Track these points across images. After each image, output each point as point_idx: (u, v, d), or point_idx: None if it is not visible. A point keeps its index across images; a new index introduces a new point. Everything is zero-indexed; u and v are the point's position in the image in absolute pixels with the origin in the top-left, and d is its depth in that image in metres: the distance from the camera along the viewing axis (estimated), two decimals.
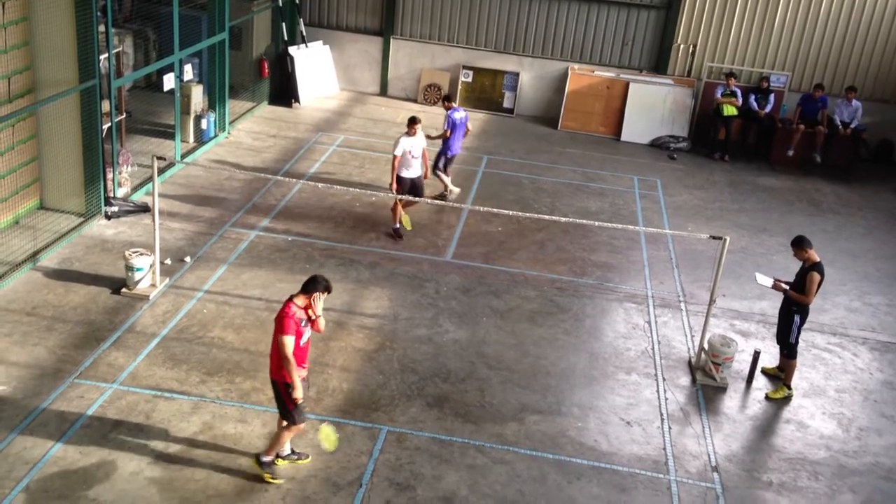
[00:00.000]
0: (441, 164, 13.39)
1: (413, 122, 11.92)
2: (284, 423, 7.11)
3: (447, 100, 13.43)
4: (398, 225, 11.99)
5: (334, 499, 7.08)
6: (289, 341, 6.73)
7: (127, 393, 8.12)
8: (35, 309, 9.33)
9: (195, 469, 7.24)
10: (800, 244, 9.02)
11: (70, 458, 7.21)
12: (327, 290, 7.01)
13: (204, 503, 6.88)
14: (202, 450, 7.47)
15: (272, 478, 7.15)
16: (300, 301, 6.91)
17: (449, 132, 13.23)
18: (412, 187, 12.08)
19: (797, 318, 9.08)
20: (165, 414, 7.87)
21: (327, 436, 7.21)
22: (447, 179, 13.43)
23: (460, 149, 13.72)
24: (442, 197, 13.31)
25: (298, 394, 6.89)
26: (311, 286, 6.94)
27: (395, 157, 11.81)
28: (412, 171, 12.03)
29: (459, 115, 13.32)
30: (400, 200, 11.71)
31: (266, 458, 7.15)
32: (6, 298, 9.47)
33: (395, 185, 11.89)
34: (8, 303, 9.39)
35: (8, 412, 7.66)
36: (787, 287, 9.15)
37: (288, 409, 6.99)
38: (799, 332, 9.15)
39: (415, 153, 11.93)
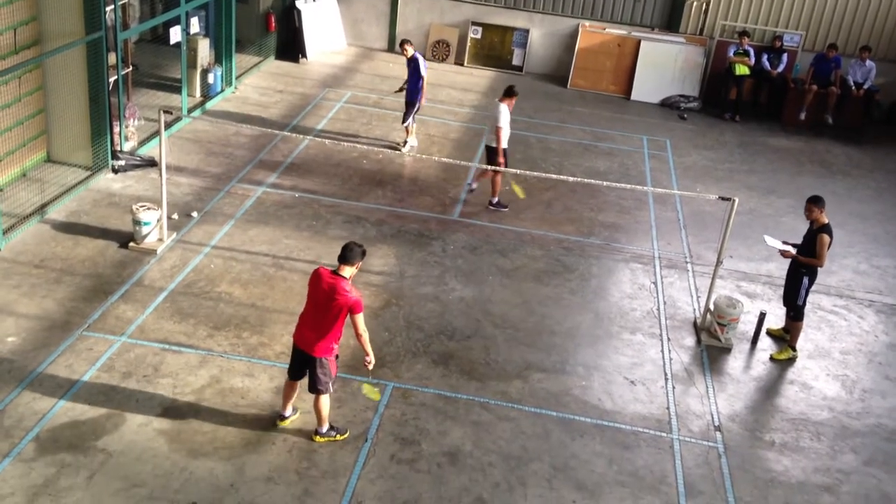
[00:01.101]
0: (413, 117, 13.29)
1: (514, 92, 11.60)
2: (322, 395, 7.09)
3: (410, 44, 13.04)
4: (496, 199, 11.76)
5: (340, 452, 7.17)
6: (363, 317, 6.85)
7: (135, 346, 8.18)
8: (43, 261, 9.38)
9: (203, 421, 7.33)
10: (817, 202, 8.96)
11: (79, 409, 7.30)
12: (365, 254, 6.96)
13: (211, 454, 6.98)
14: (209, 403, 7.55)
15: (341, 435, 7.29)
16: (347, 273, 6.83)
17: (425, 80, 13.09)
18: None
19: (805, 280, 9.06)
20: (173, 367, 7.94)
21: (371, 390, 7.55)
22: (413, 131, 13.51)
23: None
24: (397, 147, 13.31)
25: (373, 360, 7.07)
26: (353, 255, 6.83)
27: (499, 128, 11.39)
28: (507, 142, 11.71)
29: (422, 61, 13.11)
30: (490, 171, 11.44)
31: (324, 429, 7.23)
32: (14, 251, 9.51)
33: (502, 158, 11.52)
34: (16, 255, 9.43)
35: (18, 363, 7.74)
36: (795, 251, 9.12)
37: (333, 377, 7.05)
38: (807, 294, 9.14)
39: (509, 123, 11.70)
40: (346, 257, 6.84)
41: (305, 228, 10.73)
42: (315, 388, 7.06)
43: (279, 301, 9.16)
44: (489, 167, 11.25)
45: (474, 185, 12.13)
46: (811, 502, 7.32)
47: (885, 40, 17.11)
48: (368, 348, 7.00)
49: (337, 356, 7.09)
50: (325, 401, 7.13)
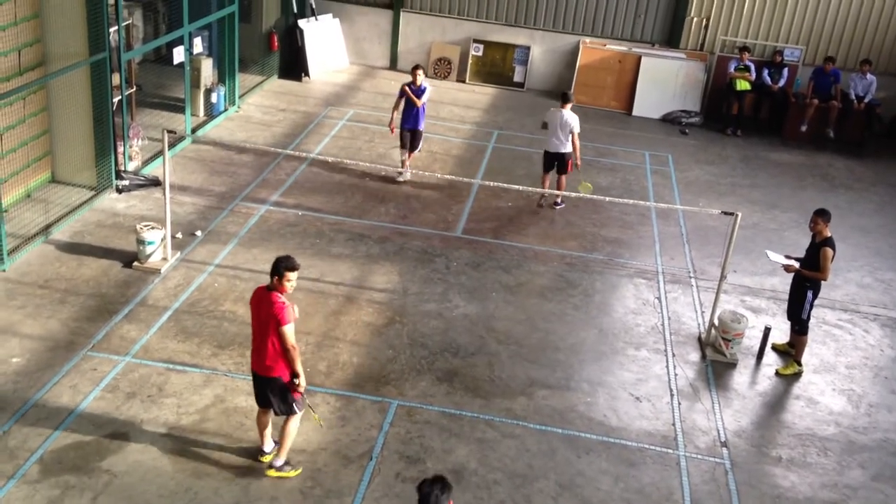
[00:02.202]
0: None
1: (568, 99, 12.18)
2: (291, 416, 6.88)
3: (423, 70, 12.86)
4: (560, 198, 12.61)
5: (344, 471, 7.14)
6: (292, 330, 6.54)
7: (139, 366, 8.18)
8: (48, 282, 9.39)
9: (207, 441, 7.31)
10: (823, 215, 8.95)
11: (83, 429, 7.28)
12: (289, 268, 6.56)
13: (215, 475, 6.95)
14: (214, 422, 7.54)
15: (295, 471, 7.02)
16: (277, 285, 6.60)
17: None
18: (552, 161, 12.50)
19: (810, 294, 9.05)
20: (178, 387, 7.93)
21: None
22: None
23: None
24: (400, 175, 12.98)
25: (304, 382, 6.77)
26: (274, 270, 6.57)
27: (577, 133, 12.06)
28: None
29: None
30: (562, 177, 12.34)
31: (280, 462, 6.99)
32: (19, 271, 9.53)
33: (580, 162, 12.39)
34: (21, 276, 9.45)
35: (22, 384, 7.74)
36: (799, 266, 9.10)
37: (295, 398, 6.79)
38: (811, 308, 9.13)
39: (551, 127, 12.32)
40: (271, 273, 6.60)
41: (308, 246, 10.75)
42: (281, 412, 6.81)
43: None
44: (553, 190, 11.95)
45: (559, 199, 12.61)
46: None
47: (886, 54, 17.16)
48: (299, 367, 6.64)
49: (293, 382, 6.74)
50: (293, 425, 6.87)
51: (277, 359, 6.65)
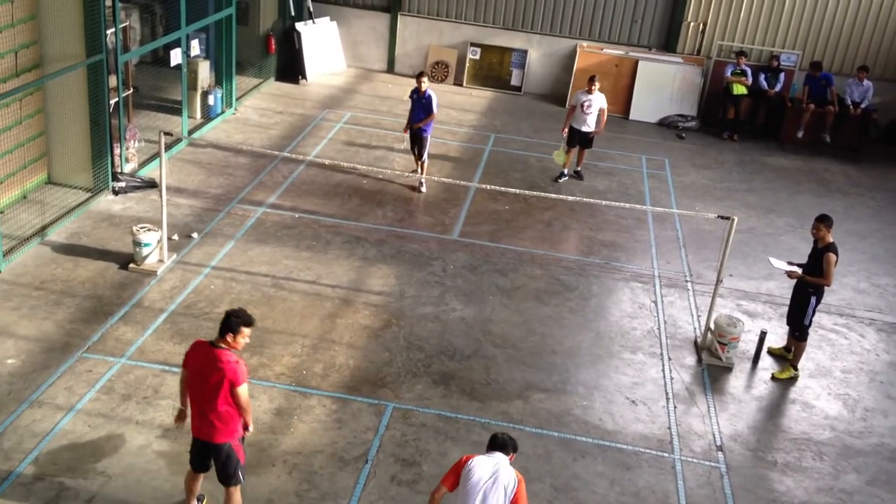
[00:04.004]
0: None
1: (590, 80, 13.50)
2: (236, 487, 6.30)
3: (427, 77, 12.72)
4: (566, 170, 13.81)
5: (340, 473, 7.14)
6: (247, 388, 6.02)
7: (135, 367, 8.16)
8: (43, 283, 9.37)
9: None
10: (825, 221, 8.96)
11: (78, 431, 7.27)
12: (246, 324, 5.98)
13: (212, 477, 6.90)
14: None
15: None
16: (224, 345, 5.98)
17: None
18: (580, 139, 13.60)
19: (813, 300, 9.04)
20: (173, 389, 7.91)
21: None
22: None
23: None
24: (417, 188, 12.87)
25: (251, 430, 6.29)
26: (227, 326, 5.94)
27: (571, 106, 13.64)
28: (580, 125, 13.52)
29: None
30: (568, 148, 13.62)
31: None
32: (15, 273, 9.51)
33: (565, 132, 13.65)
34: (16, 277, 9.43)
35: (17, 385, 7.72)
36: (801, 271, 9.10)
37: (241, 464, 6.22)
38: (814, 314, 9.12)
39: (586, 109, 13.41)
40: (223, 328, 5.96)
41: (305, 249, 10.74)
42: (227, 481, 6.23)
43: (279, 321, 9.15)
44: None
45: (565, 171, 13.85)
46: None
47: (882, 60, 17.20)
48: (249, 420, 6.16)
49: (242, 438, 6.25)
50: (238, 495, 6.33)
51: (228, 421, 6.04)
